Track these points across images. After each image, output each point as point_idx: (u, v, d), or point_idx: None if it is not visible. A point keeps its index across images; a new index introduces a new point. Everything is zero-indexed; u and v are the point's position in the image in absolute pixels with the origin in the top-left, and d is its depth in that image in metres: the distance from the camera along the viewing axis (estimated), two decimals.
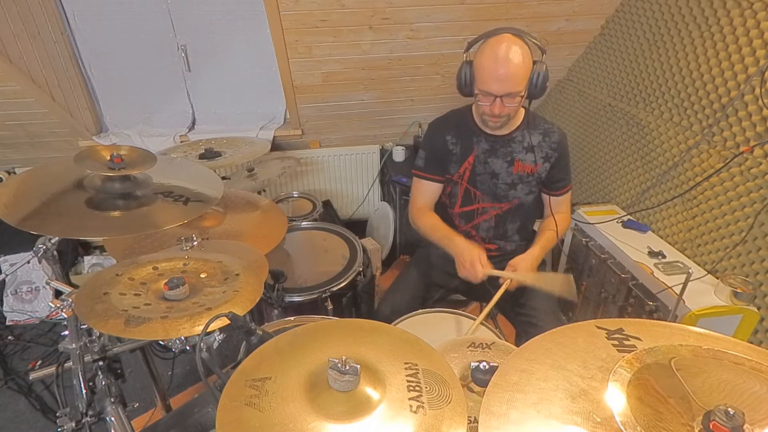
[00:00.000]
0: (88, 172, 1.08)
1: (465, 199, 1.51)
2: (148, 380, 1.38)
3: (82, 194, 1.05)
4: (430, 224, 1.50)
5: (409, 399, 0.66)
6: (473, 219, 1.54)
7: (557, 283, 1.36)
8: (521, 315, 1.46)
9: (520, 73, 1.23)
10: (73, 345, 0.95)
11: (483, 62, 1.25)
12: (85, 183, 1.08)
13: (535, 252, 1.42)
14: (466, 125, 1.46)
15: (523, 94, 1.27)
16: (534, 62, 1.26)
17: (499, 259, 1.57)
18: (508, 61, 1.21)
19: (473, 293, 1.71)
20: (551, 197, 1.52)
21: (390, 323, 1.13)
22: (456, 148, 1.46)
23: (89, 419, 0.98)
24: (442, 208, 1.58)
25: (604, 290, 1.78)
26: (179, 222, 1.05)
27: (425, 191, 1.54)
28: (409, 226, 1.87)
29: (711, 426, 0.51)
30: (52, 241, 1.05)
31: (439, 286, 1.59)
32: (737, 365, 0.61)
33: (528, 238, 1.63)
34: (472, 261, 1.33)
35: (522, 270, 1.36)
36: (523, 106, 1.44)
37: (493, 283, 1.56)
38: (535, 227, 1.66)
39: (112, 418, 0.98)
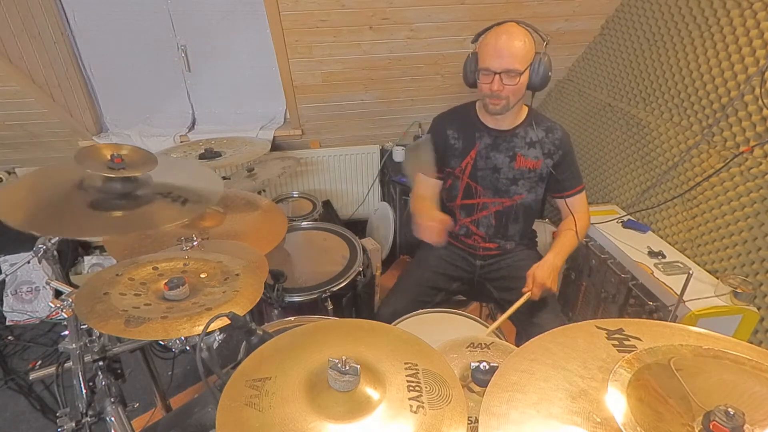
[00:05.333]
0: (88, 172, 1.08)
1: (466, 193, 1.52)
2: (148, 380, 1.38)
3: (83, 194, 1.05)
4: (417, 197, 1.53)
5: (409, 399, 0.66)
6: (473, 213, 1.54)
7: None
8: (524, 314, 1.44)
9: (520, 52, 1.26)
10: (73, 345, 0.96)
11: (485, 42, 1.30)
12: (86, 183, 1.08)
13: (550, 258, 1.40)
14: (469, 120, 1.46)
15: (522, 74, 1.28)
16: (536, 53, 1.29)
17: (499, 258, 1.57)
18: (509, 36, 1.25)
19: (474, 294, 1.71)
20: (564, 199, 1.49)
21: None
22: (458, 142, 1.47)
23: (89, 419, 0.98)
24: (442, 203, 1.58)
25: (604, 290, 1.78)
26: (179, 222, 1.04)
27: (425, 186, 1.55)
28: (410, 226, 1.84)
29: (711, 426, 0.51)
30: (52, 241, 1.05)
31: (439, 290, 1.57)
32: (737, 365, 0.61)
33: (528, 238, 1.63)
34: (427, 220, 1.37)
35: (539, 276, 1.34)
36: (525, 104, 1.44)
37: (494, 284, 1.55)
38: (535, 227, 1.66)
39: (112, 418, 0.98)
